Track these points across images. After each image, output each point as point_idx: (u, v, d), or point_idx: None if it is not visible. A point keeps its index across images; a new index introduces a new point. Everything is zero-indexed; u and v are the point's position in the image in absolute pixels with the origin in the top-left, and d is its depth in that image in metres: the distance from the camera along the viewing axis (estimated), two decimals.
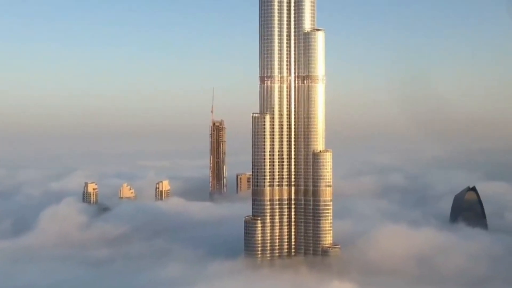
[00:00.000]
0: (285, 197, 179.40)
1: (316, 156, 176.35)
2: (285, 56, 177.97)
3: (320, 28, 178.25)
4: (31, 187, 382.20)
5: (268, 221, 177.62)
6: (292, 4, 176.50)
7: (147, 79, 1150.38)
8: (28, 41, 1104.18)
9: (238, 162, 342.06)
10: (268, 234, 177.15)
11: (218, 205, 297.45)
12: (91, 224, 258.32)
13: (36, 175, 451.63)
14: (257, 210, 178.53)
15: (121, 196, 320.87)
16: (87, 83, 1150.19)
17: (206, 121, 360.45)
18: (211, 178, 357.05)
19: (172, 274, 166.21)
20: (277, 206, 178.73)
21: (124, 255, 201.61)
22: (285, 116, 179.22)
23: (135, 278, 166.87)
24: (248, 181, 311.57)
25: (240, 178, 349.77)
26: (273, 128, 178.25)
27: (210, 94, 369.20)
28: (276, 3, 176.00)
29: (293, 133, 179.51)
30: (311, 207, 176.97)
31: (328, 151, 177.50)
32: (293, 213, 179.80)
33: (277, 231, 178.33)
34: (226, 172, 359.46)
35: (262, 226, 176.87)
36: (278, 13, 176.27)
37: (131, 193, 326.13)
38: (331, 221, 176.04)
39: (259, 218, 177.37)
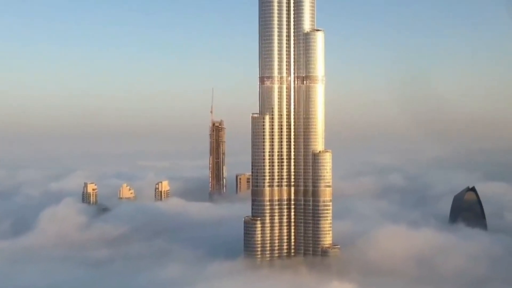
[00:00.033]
0: (285, 197, 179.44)
1: (315, 156, 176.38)
2: (284, 56, 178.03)
3: (319, 29, 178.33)
4: (30, 187, 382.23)
5: (267, 221, 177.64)
6: (292, 5, 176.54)
7: (147, 80, 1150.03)
8: (28, 41, 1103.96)
9: (237, 162, 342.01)
10: (268, 235, 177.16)
11: (218, 205, 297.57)
12: (91, 225, 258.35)
13: (35, 175, 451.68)
14: (257, 210, 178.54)
15: (121, 196, 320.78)
16: (87, 83, 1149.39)
17: (206, 122, 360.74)
18: (210, 178, 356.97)
19: (171, 274, 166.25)
20: (276, 206, 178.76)
21: (124, 256, 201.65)
22: (284, 116, 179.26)
23: (135, 279, 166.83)
24: (248, 181, 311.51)
25: (240, 178, 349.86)
26: (272, 128, 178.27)
27: (210, 94, 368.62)
28: (275, 4, 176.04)
29: (292, 133, 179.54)
30: (310, 207, 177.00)
31: (327, 151, 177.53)
32: (292, 214, 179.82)
33: (276, 231, 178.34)
34: (226, 172, 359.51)
35: (261, 227, 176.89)
36: (278, 13, 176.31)
37: (131, 193, 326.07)
38: (331, 221, 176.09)
39: (259, 218, 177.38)
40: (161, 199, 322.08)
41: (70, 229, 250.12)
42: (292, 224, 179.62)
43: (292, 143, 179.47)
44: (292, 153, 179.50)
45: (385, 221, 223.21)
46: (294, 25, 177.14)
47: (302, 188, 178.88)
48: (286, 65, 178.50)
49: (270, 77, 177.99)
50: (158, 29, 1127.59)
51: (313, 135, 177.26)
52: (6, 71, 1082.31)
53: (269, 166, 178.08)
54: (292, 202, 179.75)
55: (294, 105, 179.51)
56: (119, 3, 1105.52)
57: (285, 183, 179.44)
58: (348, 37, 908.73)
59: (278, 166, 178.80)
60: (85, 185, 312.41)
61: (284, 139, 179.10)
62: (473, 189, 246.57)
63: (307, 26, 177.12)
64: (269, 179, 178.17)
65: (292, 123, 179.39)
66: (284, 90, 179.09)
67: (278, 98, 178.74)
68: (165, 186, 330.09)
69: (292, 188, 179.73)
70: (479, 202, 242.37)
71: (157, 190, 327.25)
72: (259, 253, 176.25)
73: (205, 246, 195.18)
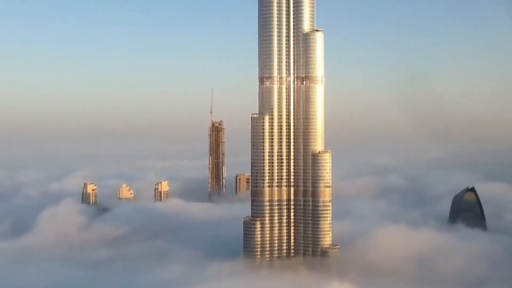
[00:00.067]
0: (284, 197, 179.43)
1: (315, 157, 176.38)
2: (284, 57, 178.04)
3: (319, 29, 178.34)
4: (30, 187, 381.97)
5: (267, 221, 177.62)
6: (291, 5, 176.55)
7: (147, 80, 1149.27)
8: (28, 41, 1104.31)
9: (237, 163, 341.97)
10: (267, 235, 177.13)
11: (217, 206, 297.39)
12: (90, 225, 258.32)
13: (35, 175, 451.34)
14: (256, 210, 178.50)
15: (120, 196, 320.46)
16: (87, 83, 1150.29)
17: (205, 122, 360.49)
18: (210, 178, 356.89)
19: (171, 275, 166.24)
20: (276, 207, 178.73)
21: (123, 256, 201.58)
22: (284, 117, 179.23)
23: (134, 279, 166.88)
24: (247, 182, 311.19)
25: (239, 179, 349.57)
26: (272, 129, 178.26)
27: (209, 94, 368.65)
28: (275, 4, 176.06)
29: (292, 134, 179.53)
30: (310, 207, 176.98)
31: (327, 151, 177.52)
32: (292, 214, 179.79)
33: (276, 231, 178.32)
34: (225, 172, 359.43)
35: (261, 227, 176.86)
36: (277, 14, 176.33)
37: (130, 193, 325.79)
38: (330, 221, 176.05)
39: (258, 218, 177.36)
40: (160, 199, 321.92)
41: (70, 230, 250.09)
42: (292, 224, 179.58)
43: (292, 143, 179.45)
44: (292, 153, 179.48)
45: (385, 221, 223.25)
46: (293, 25, 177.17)
47: (301, 188, 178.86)
48: (286, 65, 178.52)
49: (270, 78, 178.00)
50: (158, 29, 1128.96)
51: (313, 136, 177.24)
52: (6, 71, 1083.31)
53: (268, 166, 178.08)
54: (292, 202, 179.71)
55: (294, 105, 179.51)
56: (119, 3, 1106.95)
57: (285, 183, 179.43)
58: (348, 37, 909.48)
59: (277, 166, 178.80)
60: (85, 185, 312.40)
61: (284, 140, 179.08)
62: (472, 189, 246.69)
63: (306, 26, 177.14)
64: (268, 179, 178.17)
65: (292, 124, 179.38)
66: (284, 90, 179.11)
67: (278, 98, 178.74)
68: (164, 186, 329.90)
69: (292, 188, 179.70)
70: (478, 202, 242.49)
71: (156, 190, 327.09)
72: (258, 253, 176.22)
73: (205, 246, 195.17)
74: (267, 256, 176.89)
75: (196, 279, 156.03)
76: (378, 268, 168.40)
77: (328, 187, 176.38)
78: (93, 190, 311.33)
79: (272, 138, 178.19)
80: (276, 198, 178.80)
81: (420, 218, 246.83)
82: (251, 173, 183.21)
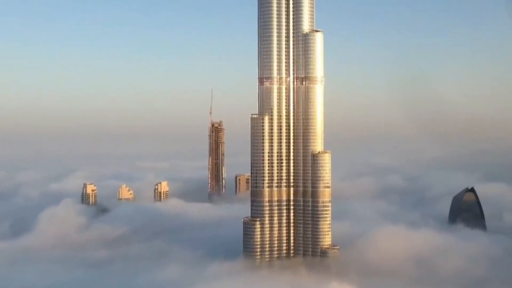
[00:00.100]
0: (284, 198, 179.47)
1: (314, 157, 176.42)
2: (283, 57, 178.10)
3: (318, 29, 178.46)
4: (30, 188, 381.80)
5: (267, 222, 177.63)
6: (291, 5, 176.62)
7: (146, 80, 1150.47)
8: (28, 41, 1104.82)
9: (237, 163, 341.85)
10: (267, 235, 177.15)
11: (217, 206, 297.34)
12: (90, 225, 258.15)
13: (35, 176, 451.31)
14: (256, 211, 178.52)
15: (120, 197, 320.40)
16: (87, 83, 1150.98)
17: (205, 123, 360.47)
18: (210, 179, 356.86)
19: (171, 275, 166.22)
20: (276, 207, 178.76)
21: (123, 256, 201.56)
22: (284, 117, 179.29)
23: (134, 280, 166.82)
24: (247, 182, 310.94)
25: (239, 179, 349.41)
26: (272, 129, 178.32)
27: (209, 95, 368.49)
28: (275, 4, 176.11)
29: (291, 134, 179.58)
30: (310, 208, 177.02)
31: (327, 152, 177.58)
32: (292, 214, 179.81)
33: (276, 232, 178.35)
34: (225, 173, 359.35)
35: (261, 227, 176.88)
36: (277, 14, 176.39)
37: (130, 194, 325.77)
38: (330, 222, 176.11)
39: (258, 219, 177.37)
40: (160, 199, 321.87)
41: (70, 230, 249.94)
42: (291, 224, 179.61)
43: (291, 144, 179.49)
44: (291, 154, 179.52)
45: (384, 221, 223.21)
46: (293, 25, 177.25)
47: (301, 188, 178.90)
48: (285, 66, 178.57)
49: (269, 78, 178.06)
50: (158, 29, 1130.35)
51: (312, 136, 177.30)
52: (6, 71, 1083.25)
53: (268, 166, 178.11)
54: (291, 203, 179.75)
55: (293, 106, 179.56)
56: (119, 3, 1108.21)
57: (284, 184, 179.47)
58: (348, 37, 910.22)
59: (277, 166, 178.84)
60: (85, 186, 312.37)
61: (283, 140, 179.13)
62: (472, 190, 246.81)
63: (306, 27, 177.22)
64: (268, 179, 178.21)
65: (291, 124, 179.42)
66: (283, 91, 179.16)
67: (277, 99, 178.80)
68: (164, 186, 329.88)
69: (291, 189, 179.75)
70: (478, 202, 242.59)
71: (156, 191, 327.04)
72: (258, 253, 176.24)
73: (205, 246, 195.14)
74: (267, 256, 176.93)
75: (196, 279, 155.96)
76: (377, 269, 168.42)
77: (328, 187, 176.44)
78: (92, 190, 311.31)
79: (272, 139, 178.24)
80: (275, 198, 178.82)
81: (419, 218, 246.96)
82: (251, 173, 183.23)
